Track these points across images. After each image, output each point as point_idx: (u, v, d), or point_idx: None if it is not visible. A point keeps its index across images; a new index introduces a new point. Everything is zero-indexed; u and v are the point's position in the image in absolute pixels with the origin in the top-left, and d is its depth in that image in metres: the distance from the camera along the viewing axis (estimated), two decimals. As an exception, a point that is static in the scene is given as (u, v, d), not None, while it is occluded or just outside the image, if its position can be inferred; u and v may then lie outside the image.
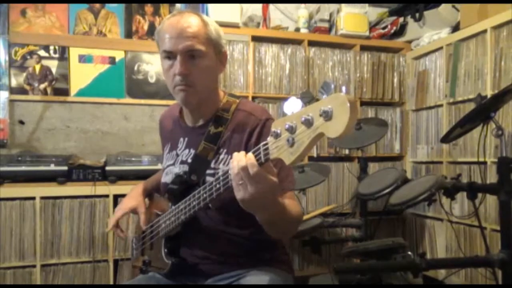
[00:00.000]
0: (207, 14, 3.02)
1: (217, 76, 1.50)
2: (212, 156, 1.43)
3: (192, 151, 1.48)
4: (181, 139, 1.55)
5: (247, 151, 1.07)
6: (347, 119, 0.79)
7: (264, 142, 1.01)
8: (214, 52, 1.43)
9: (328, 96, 0.81)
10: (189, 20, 1.38)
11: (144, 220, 1.59)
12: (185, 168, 1.48)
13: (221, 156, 1.42)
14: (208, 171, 1.42)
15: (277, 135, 0.94)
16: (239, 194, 1.08)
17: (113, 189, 2.71)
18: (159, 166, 2.56)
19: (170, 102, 2.91)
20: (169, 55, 1.39)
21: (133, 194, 1.68)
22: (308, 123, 0.86)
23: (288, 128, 0.90)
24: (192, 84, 1.38)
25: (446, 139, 2.16)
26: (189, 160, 1.48)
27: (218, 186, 1.18)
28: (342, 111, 0.80)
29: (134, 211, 1.62)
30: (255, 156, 1.03)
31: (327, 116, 0.82)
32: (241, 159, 1.05)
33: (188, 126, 1.54)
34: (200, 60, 1.39)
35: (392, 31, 3.45)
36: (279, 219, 1.22)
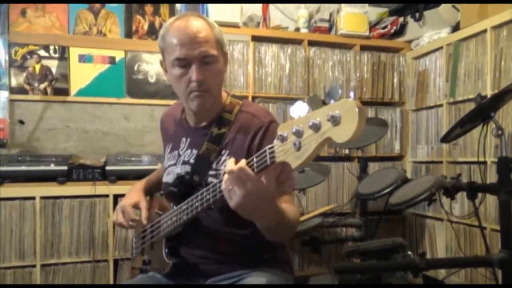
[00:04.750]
0: (207, 14, 3.02)
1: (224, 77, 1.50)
2: (214, 157, 1.42)
3: (195, 152, 1.48)
4: (183, 139, 1.54)
5: (249, 153, 1.08)
6: (355, 125, 0.79)
7: (270, 145, 1.00)
8: (222, 54, 1.43)
9: (336, 101, 0.81)
10: (197, 24, 1.37)
11: (145, 215, 1.57)
12: (187, 168, 1.48)
13: (223, 157, 1.41)
14: (211, 172, 1.41)
15: (283, 139, 0.94)
16: (231, 202, 1.09)
17: (113, 189, 2.71)
18: (159, 166, 2.56)
19: (170, 102, 2.91)
20: (183, 63, 1.36)
21: (133, 190, 1.67)
22: (316, 127, 0.86)
23: (295, 132, 0.90)
24: (208, 89, 1.38)
25: (446, 139, 2.16)
26: (192, 161, 1.47)
27: (222, 187, 1.18)
28: (350, 116, 0.80)
29: (136, 206, 1.61)
30: (261, 159, 1.03)
31: (335, 121, 0.82)
32: (228, 165, 1.07)
33: (190, 127, 1.53)
34: (213, 65, 1.38)
35: (392, 31, 3.45)
36: (278, 226, 1.22)
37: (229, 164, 1.07)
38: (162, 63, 1.48)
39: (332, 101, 0.78)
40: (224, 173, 1.11)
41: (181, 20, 1.39)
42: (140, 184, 1.71)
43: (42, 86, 3.02)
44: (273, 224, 1.19)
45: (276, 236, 1.31)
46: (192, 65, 1.35)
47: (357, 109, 0.79)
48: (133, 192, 1.66)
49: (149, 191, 1.73)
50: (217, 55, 1.39)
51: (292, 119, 0.94)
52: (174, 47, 1.36)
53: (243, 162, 1.05)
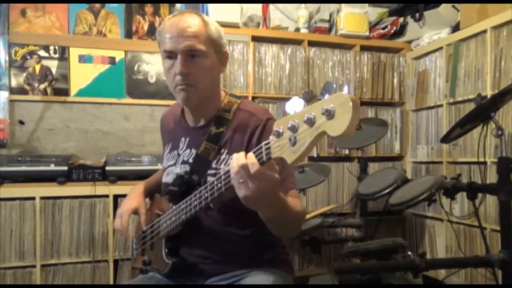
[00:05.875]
0: (207, 14, 3.02)
1: (218, 76, 1.50)
2: (213, 156, 1.43)
3: (194, 151, 1.49)
4: (183, 139, 1.55)
5: (248, 151, 1.07)
6: (349, 118, 0.80)
7: (266, 141, 1.01)
8: (215, 52, 1.43)
9: (331, 95, 0.81)
10: (189, 20, 1.39)
11: (144, 221, 1.59)
12: (187, 168, 1.48)
13: (222, 156, 1.42)
14: (210, 171, 1.42)
15: (279, 134, 0.94)
16: (240, 192, 1.08)
17: (113, 189, 2.72)
18: (159, 166, 2.56)
19: (170, 102, 2.91)
20: (170, 55, 1.39)
21: (133, 194, 1.67)
22: (310, 122, 0.86)
23: (291, 127, 0.90)
24: (193, 83, 1.39)
25: (446, 139, 2.16)
26: (191, 160, 1.48)
27: (219, 185, 1.18)
28: (344, 110, 0.81)
29: (135, 212, 1.61)
30: (257, 156, 1.03)
31: (329, 115, 0.82)
32: (240, 158, 1.06)
33: (189, 126, 1.54)
34: (200, 60, 1.39)
35: (392, 31, 3.45)
36: (282, 216, 1.22)
37: (240, 158, 1.06)
38: None
39: (327, 95, 0.78)
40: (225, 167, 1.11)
41: (177, 16, 1.41)
42: (140, 187, 1.71)
43: (42, 86, 3.03)
44: (276, 215, 1.19)
45: (280, 230, 1.30)
46: (178, 57, 1.38)
47: (351, 103, 0.80)
48: (133, 197, 1.65)
49: (150, 193, 1.73)
50: (205, 50, 1.39)
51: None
52: (165, 40, 1.39)
53: (253, 157, 1.05)
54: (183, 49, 1.36)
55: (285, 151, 0.93)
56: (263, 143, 1.01)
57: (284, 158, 0.94)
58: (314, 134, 0.86)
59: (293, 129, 0.90)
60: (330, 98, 0.83)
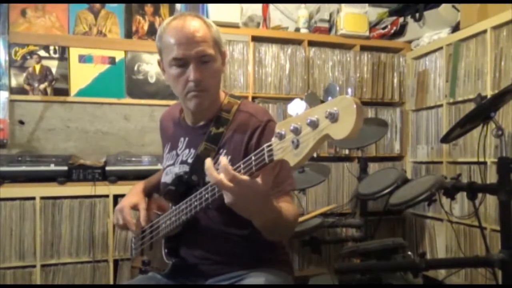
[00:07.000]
0: (207, 14, 3.02)
1: (221, 76, 1.50)
2: (213, 157, 1.42)
3: (193, 151, 1.48)
4: (182, 139, 1.55)
5: (247, 152, 1.07)
6: (353, 121, 0.79)
7: (268, 143, 1.00)
8: (219, 53, 1.43)
9: (334, 98, 0.81)
10: (194, 24, 1.37)
11: (144, 217, 1.56)
12: (186, 168, 1.48)
13: (222, 157, 1.41)
14: (209, 172, 1.41)
15: (281, 136, 0.94)
16: (226, 200, 1.10)
17: (113, 189, 2.72)
18: (159, 166, 2.56)
19: (170, 102, 2.91)
20: (180, 62, 1.36)
21: (133, 192, 1.67)
22: (314, 124, 0.86)
23: (293, 129, 0.90)
24: (205, 88, 1.38)
25: (446, 139, 2.16)
26: (190, 160, 1.48)
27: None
28: (348, 113, 0.80)
29: (135, 207, 1.60)
30: (259, 158, 1.03)
31: (333, 118, 0.82)
32: (222, 164, 1.08)
33: (188, 126, 1.54)
34: (211, 64, 1.38)
35: (392, 31, 3.45)
36: (275, 224, 1.22)
37: (223, 162, 1.07)
38: (160, 63, 1.48)
39: (330, 98, 0.78)
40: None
41: (178, 20, 1.39)
42: (140, 186, 1.70)
43: (42, 86, 3.02)
44: (269, 222, 1.19)
45: (274, 235, 1.31)
46: (189, 64, 1.36)
47: (355, 106, 0.79)
48: (133, 194, 1.65)
49: (150, 193, 1.72)
50: (214, 54, 1.39)
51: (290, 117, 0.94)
52: (171, 47, 1.36)
53: (226, 165, 1.07)
54: (195, 55, 1.35)
55: (288, 153, 0.93)
56: (265, 145, 1.01)
57: (286, 160, 0.94)
58: (318, 137, 0.86)
59: (296, 131, 0.89)
60: (334, 101, 0.83)
